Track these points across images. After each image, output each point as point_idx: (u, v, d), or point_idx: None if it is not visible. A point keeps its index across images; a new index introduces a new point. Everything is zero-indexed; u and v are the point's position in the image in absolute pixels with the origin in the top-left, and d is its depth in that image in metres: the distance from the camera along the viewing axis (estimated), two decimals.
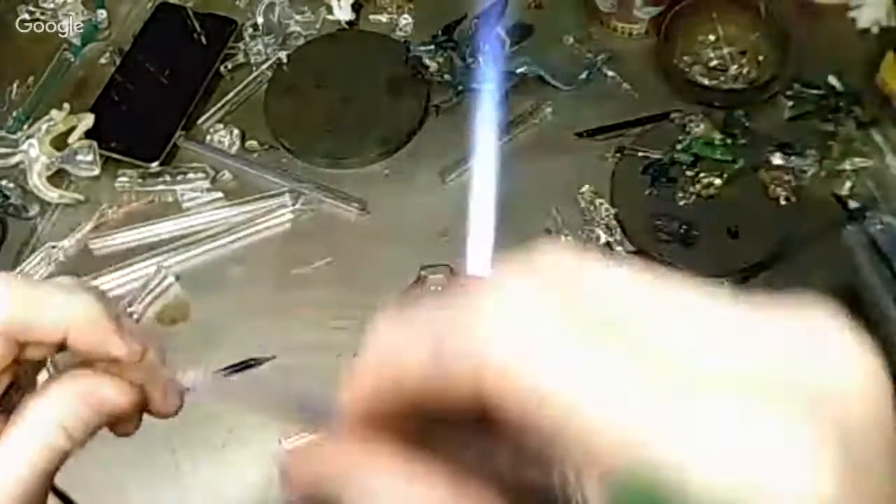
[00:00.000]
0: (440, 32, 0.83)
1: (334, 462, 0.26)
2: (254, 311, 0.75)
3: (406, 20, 0.91)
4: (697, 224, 0.75)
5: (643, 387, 0.21)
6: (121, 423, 0.37)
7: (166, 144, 0.84)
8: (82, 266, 0.79)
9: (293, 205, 0.80)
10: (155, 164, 0.83)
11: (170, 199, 0.82)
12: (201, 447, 0.70)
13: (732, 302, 0.23)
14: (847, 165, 0.78)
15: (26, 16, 0.94)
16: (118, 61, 0.90)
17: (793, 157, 0.78)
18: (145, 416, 0.37)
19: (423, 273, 0.47)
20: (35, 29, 0.94)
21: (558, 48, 0.88)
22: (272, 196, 0.81)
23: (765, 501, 0.20)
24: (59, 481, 0.41)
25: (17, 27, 0.94)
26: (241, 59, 0.90)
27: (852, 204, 0.77)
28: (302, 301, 0.76)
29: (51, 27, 0.94)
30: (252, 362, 0.73)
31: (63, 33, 0.93)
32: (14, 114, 0.88)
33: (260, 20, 0.92)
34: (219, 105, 0.87)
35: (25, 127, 0.85)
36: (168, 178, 0.82)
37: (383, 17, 0.93)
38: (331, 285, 0.76)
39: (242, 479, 0.68)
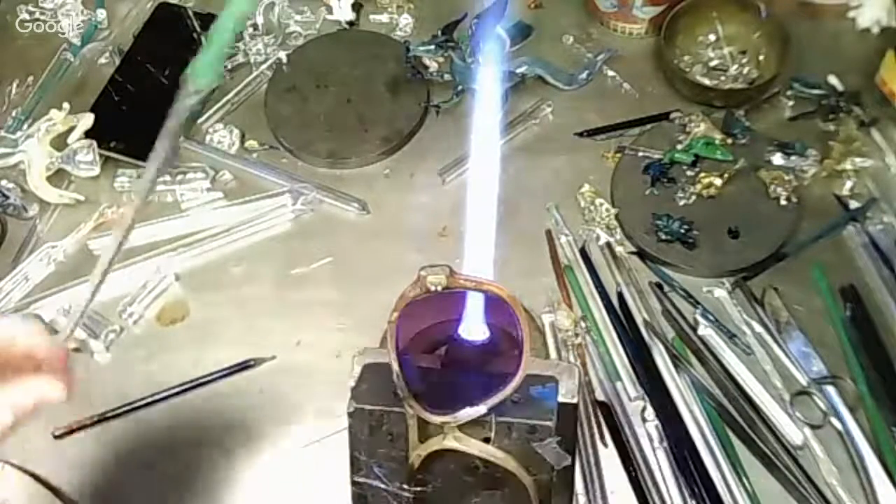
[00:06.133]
0: (440, 32, 0.83)
1: None
2: (254, 311, 0.75)
3: (406, 20, 0.91)
4: (697, 224, 0.75)
5: None
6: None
7: None
8: (82, 266, 0.79)
9: (293, 205, 0.80)
10: None
11: (169, 199, 0.82)
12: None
13: None
14: (847, 165, 0.78)
15: (26, 16, 0.94)
16: (118, 61, 0.90)
17: (793, 157, 0.78)
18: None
19: (422, 273, 0.47)
20: (35, 29, 0.94)
21: (558, 48, 0.88)
22: (272, 196, 0.81)
23: None
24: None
25: (17, 27, 0.94)
26: (241, 59, 0.90)
27: (852, 204, 0.77)
28: (302, 301, 0.76)
29: (51, 27, 0.94)
30: (252, 362, 0.73)
31: (63, 33, 0.93)
32: (14, 114, 0.88)
33: (260, 20, 0.92)
34: (219, 105, 0.87)
35: (25, 127, 0.85)
36: (168, 178, 0.82)
37: (383, 17, 0.93)
38: (331, 285, 0.76)
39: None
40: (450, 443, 0.51)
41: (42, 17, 0.94)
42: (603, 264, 0.76)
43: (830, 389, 0.68)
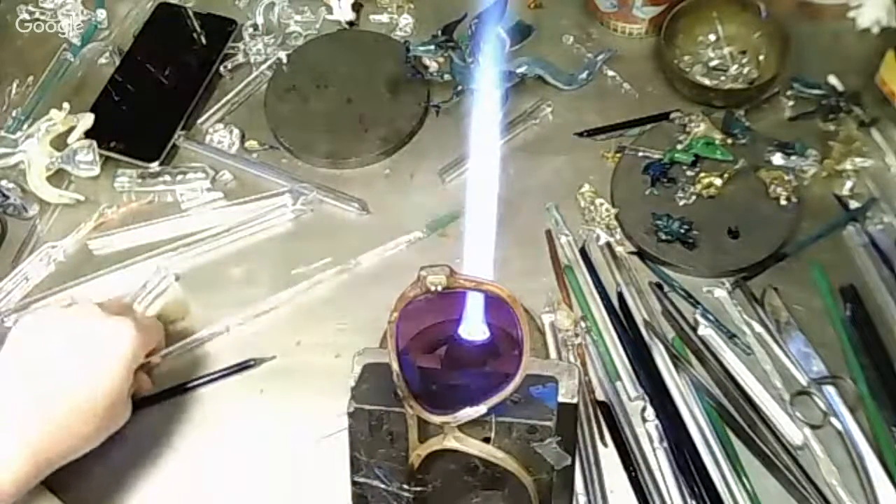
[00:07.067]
0: (440, 32, 0.83)
1: None
2: (254, 312, 0.75)
3: (406, 20, 0.91)
4: (697, 224, 0.75)
5: None
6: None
7: (166, 144, 0.84)
8: (82, 266, 0.79)
9: (293, 205, 0.80)
10: (155, 164, 0.83)
11: (170, 199, 0.82)
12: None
13: None
14: (847, 165, 0.78)
15: (26, 16, 0.94)
16: (118, 61, 0.90)
17: (793, 157, 0.78)
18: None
19: (422, 273, 0.47)
20: (35, 29, 0.94)
21: (558, 48, 0.88)
22: (272, 196, 0.81)
23: None
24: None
25: (17, 27, 0.94)
26: (241, 59, 0.90)
27: (852, 204, 0.77)
28: (302, 301, 0.76)
29: (51, 27, 0.94)
30: (252, 362, 0.73)
31: (63, 33, 0.93)
32: (14, 114, 0.88)
33: (260, 20, 0.92)
34: (219, 105, 0.87)
35: (25, 127, 0.85)
36: (168, 178, 0.82)
37: (383, 17, 0.93)
38: (331, 285, 0.76)
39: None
40: (450, 443, 0.51)
41: (42, 17, 0.94)
42: (603, 264, 0.76)
43: (830, 389, 0.68)
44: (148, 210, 0.82)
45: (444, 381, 0.55)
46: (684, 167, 0.78)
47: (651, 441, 0.67)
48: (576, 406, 0.53)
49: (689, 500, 0.64)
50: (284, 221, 0.80)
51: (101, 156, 0.83)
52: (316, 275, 0.76)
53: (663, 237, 0.75)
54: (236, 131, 0.85)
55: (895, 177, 0.78)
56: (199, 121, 0.86)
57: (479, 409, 0.50)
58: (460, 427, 0.51)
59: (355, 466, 0.54)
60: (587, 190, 0.79)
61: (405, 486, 0.54)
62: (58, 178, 0.83)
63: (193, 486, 0.68)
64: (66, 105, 0.84)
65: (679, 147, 0.79)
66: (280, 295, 0.75)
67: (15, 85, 0.90)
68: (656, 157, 0.79)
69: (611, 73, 0.87)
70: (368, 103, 0.85)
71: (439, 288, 0.47)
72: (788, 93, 0.83)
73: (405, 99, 0.85)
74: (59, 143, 0.83)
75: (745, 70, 0.85)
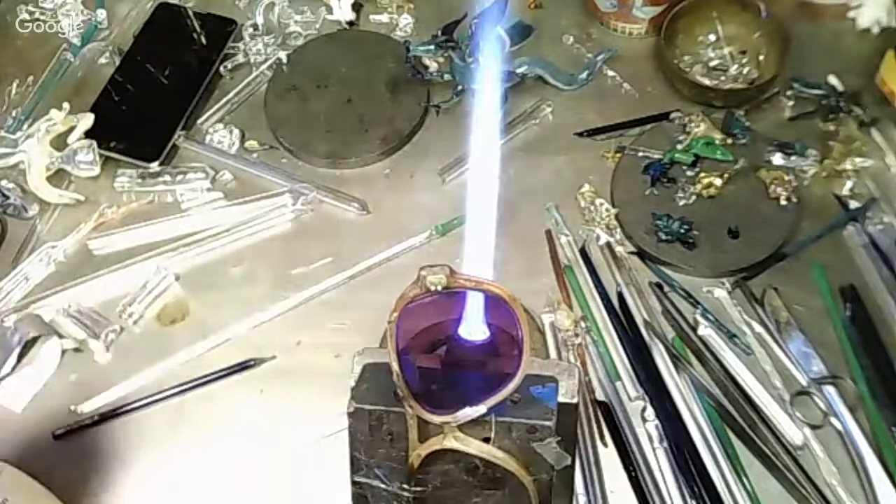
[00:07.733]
0: (440, 32, 0.83)
1: None
2: (254, 311, 0.75)
3: (406, 20, 0.91)
4: (697, 224, 0.75)
5: None
6: None
7: (166, 144, 0.84)
8: (82, 266, 0.79)
9: (293, 205, 0.80)
10: (154, 164, 0.83)
11: (169, 199, 0.82)
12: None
13: None
14: (847, 165, 0.78)
15: (26, 16, 0.94)
16: (118, 61, 0.90)
17: (793, 157, 0.78)
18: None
19: (422, 273, 0.47)
20: (35, 29, 0.94)
21: (558, 48, 0.88)
22: (272, 196, 0.81)
23: None
24: None
25: (17, 27, 0.94)
26: (241, 59, 0.90)
27: (852, 204, 0.77)
28: (302, 301, 0.76)
29: (51, 27, 0.94)
30: (252, 362, 0.73)
31: (63, 33, 0.93)
32: (14, 114, 0.88)
33: (260, 20, 0.92)
34: (219, 105, 0.87)
35: (25, 127, 0.85)
36: (168, 178, 0.82)
37: (383, 17, 0.93)
38: (331, 285, 0.76)
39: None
40: (450, 443, 0.51)
41: (42, 17, 0.94)
42: (603, 264, 0.76)
43: (830, 389, 0.68)
44: (148, 210, 0.82)
45: (444, 381, 0.55)
46: (684, 167, 0.78)
47: (651, 441, 0.67)
48: (576, 406, 0.52)
49: (689, 500, 0.64)
50: (284, 221, 0.80)
51: (101, 156, 0.83)
52: (316, 275, 0.76)
53: (663, 237, 0.75)
54: (236, 131, 0.85)
55: (895, 177, 0.78)
56: (199, 121, 0.86)
57: (479, 409, 0.50)
58: (460, 427, 0.51)
59: (355, 466, 0.54)
60: (587, 190, 0.79)
61: (405, 486, 0.54)
62: (58, 178, 0.83)
63: (193, 486, 0.68)
64: (66, 105, 0.84)
65: (679, 147, 0.79)
66: (290, 300, 0.75)
67: (15, 85, 0.90)
68: (656, 157, 0.79)
69: (611, 73, 0.87)
70: (368, 103, 0.85)
71: (439, 288, 0.47)
72: (788, 93, 0.83)
73: (405, 99, 0.85)
74: (59, 143, 0.83)
75: (745, 70, 0.85)
